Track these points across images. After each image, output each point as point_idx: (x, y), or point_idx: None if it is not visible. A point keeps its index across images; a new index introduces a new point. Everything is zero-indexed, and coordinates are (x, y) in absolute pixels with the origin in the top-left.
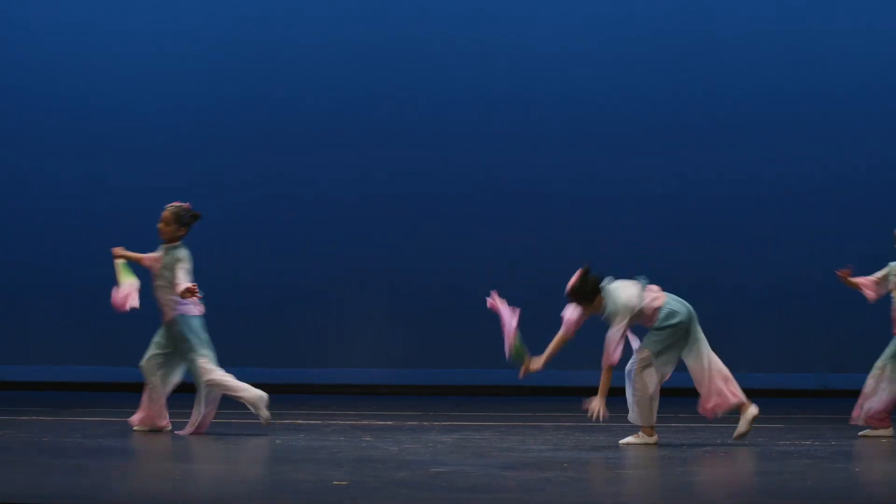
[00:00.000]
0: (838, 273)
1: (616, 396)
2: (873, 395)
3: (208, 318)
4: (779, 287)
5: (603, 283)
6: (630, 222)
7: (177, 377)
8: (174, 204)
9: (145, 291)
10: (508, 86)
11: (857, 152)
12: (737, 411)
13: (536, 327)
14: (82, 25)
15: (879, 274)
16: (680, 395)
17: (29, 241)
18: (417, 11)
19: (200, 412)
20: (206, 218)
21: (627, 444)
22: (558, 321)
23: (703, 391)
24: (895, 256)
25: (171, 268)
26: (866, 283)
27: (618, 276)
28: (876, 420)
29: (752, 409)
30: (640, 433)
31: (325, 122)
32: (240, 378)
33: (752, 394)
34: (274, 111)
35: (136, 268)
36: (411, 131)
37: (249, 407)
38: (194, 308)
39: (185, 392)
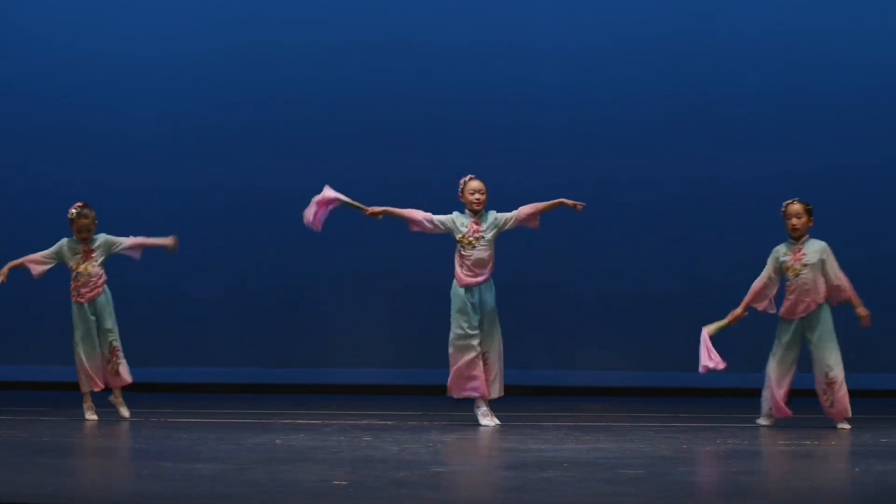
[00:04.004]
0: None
1: (619, 396)
2: None
3: (210, 318)
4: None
5: None
6: (631, 222)
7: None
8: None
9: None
10: (508, 87)
11: (859, 152)
12: None
13: (537, 326)
14: (80, 27)
15: None
16: (681, 394)
17: (28, 241)
18: (415, 13)
19: None
20: (206, 219)
21: None
22: (560, 319)
23: None
24: None
25: None
26: None
27: (620, 277)
28: None
29: None
30: None
31: (326, 122)
32: (240, 378)
33: (752, 394)
34: (274, 112)
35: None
36: (411, 131)
37: None
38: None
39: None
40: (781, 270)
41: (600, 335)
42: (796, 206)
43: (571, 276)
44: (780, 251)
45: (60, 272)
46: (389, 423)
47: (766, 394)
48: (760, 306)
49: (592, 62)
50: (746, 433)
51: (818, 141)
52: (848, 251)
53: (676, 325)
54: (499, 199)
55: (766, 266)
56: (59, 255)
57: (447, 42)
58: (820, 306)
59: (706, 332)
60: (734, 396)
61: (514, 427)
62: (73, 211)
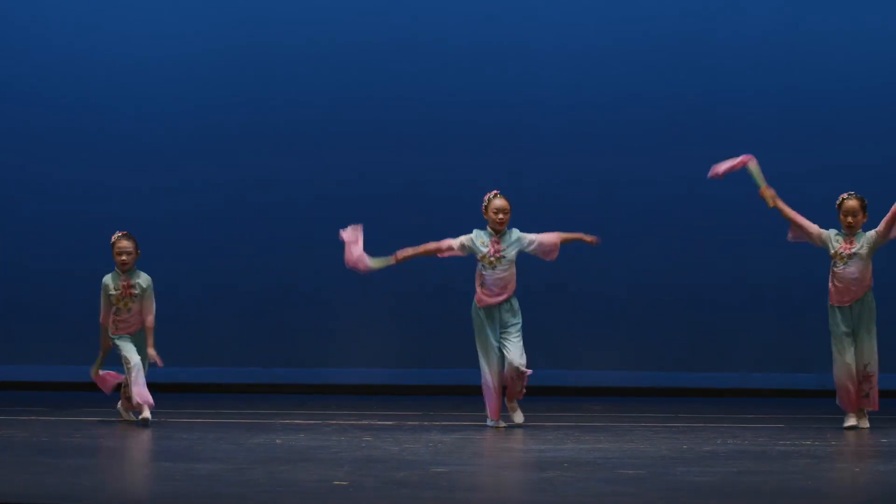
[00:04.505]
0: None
1: (619, 396)
2: None
3: (210, 318)
4: (779, 287)
5: None
6: (631, 222)
7: None
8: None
9: None
10: (508, 87)
11: (859, 152)
12: None
13: (537, 326)
14: (80, 27)
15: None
16: (680, 395)
17: (28, 241)
18: (415, 13)
19: None
20: (206, 219)
21: None
22: (560, 319)
23: None
24: None
25: None
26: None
27: (620, 277)
28: None
29: None
30: None
31: (325, 122)
32: (240, 378)
33: (752, 394)
34: (273, 112)
35: None
36: (410, 133)
37: None
38: None
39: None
40: (826, 249)
41: (600, 335)
42: (853, 203)
43: (571, 276)
44: (833, 238)
45: (56, 272)
46: (389, 423)
47: (840, 394)
48: (790, 229)
49: (592, 62)
50: (746, 433)
51: (818, 141)
52: None
53: (677, 326)
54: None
55: (820, 229)
56: (106, 295)
57: (447, 42)
58: (866, 294)
59: (750, 161)
60: (734, 397)
61: (514, 427)
62: (115, 237)
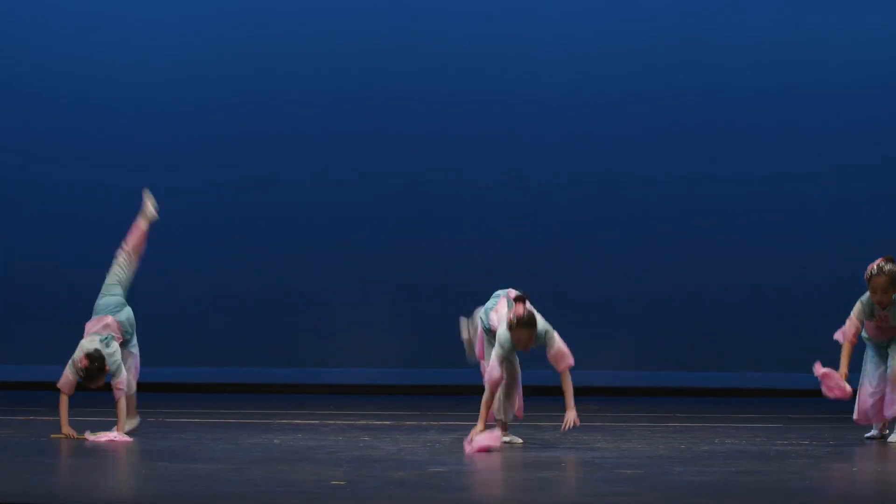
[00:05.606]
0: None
1: (618, 396)
2: None
3: (210, 318)
4: (779, 287)
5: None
6: (631, 222)
7: None
8: None
9: None
10: (508, 87)
11: (859, 152)
12: None
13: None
14: (80, 27)
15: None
16: (678, 394)
17: (28, 241)
18: (415, 13)
19: None
20: (206, 219)
21: None
22: (558, 319)
23: None
24: None
25: None
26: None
27: (619, 277)
28: None
29: None
30: None
31: (325, 122)
32: (239, 378)
33: (752, 394)
34: (273, 112)
35: None
36: (410, 133)
37: None
38: None
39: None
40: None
41: (599, 335)
42: (881, 281)
43: (570, 276)
44: (866, 312)
45: (56, 273)
46: (387, 423)
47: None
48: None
49: (592, 62)
50: (744, 433)
51: (818, 141)
52: (848, 251)
53: (676, 326)
54: (499, 198)
55: (858, 321)
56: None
57: (447, 42)
58: None
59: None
60: (733, 396)
61: (513, 427)
62: (79, 364)
